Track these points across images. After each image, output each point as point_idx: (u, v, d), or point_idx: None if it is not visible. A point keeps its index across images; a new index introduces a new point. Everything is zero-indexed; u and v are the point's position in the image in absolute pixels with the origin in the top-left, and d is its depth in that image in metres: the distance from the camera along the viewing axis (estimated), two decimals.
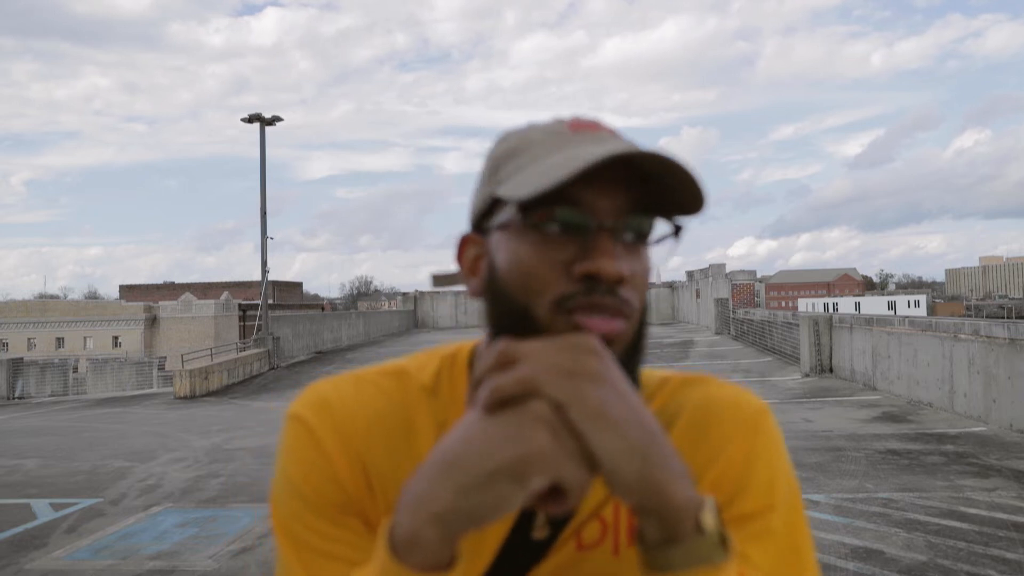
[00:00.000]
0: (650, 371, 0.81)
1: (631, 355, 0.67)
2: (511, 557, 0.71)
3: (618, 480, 0.55)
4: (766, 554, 0.70)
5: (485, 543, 0.71)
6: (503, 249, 0.67)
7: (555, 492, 0.56)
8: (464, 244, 0.73)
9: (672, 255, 0.71)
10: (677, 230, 0.69)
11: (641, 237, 0.67)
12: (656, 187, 0.66)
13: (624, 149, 0.61)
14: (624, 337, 0.65)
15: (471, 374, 0.75)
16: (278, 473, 0.73)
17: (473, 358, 0.78)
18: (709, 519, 0.58)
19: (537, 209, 0.64)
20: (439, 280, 0.83)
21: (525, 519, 0.71)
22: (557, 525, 0.72)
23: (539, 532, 0.71)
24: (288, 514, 0.71)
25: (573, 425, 0.55)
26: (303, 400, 0.75)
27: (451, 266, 0.78)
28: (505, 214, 0.67)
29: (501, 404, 0.56)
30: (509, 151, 0.70)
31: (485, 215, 0.71)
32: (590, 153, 0.62)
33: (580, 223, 0.64)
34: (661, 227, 0.69)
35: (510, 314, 0.66)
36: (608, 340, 0.63)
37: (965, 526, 5.83)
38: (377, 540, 0.59)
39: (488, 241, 0.70)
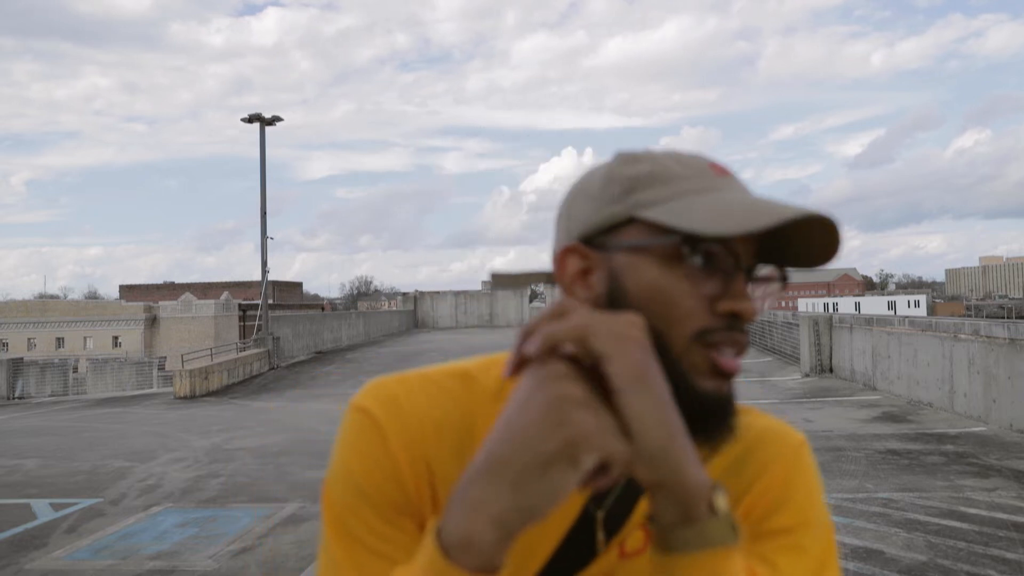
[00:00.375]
0: None
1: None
2: (559, 563, 0.72)
3: (643, 448, 0.57)
4: (794, 567, 0.72)
5: (537, 549, 0.72)
6: (637, 272, 0.68)
7: (599, 469, 0.57)
8: (568, 254, 0.71)
9: (776, 300, 0.75)
10: (784, 279, 0.72)
11: (752, 279, 0.71)
12: (787, 238, 0.70)
13: (808, 212, 0.65)
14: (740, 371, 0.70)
15: None
16: (337, 465, 0.72)
17: None
18: (722, 501, 0.60)
19: (692, 243, 0.66)
20: (501, 280, 0.82)
21: (579, 529, 0.73)
22: (609, 534, 0.73)
23: (602, 546, 0.73)
24: (344, 508, 0.70)
25: (613, 382, 0.57)
26: (370, 394, 0.74)
27: (504, 268, 0.79)
28: (646, 238, 0.68)
29: (551, 351, 0.58)
30: (649, 176, 0.70)
31: (604, 232, 0.70)
32: (766, 207, 0.66)
33: (728, 263, 0.67)
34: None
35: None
36: (734, 374, 0.68)
37: (965, 526, 5.83)
38: (424, 539, 0.59)
39: (608, 258, 0.69)
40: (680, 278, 0.67)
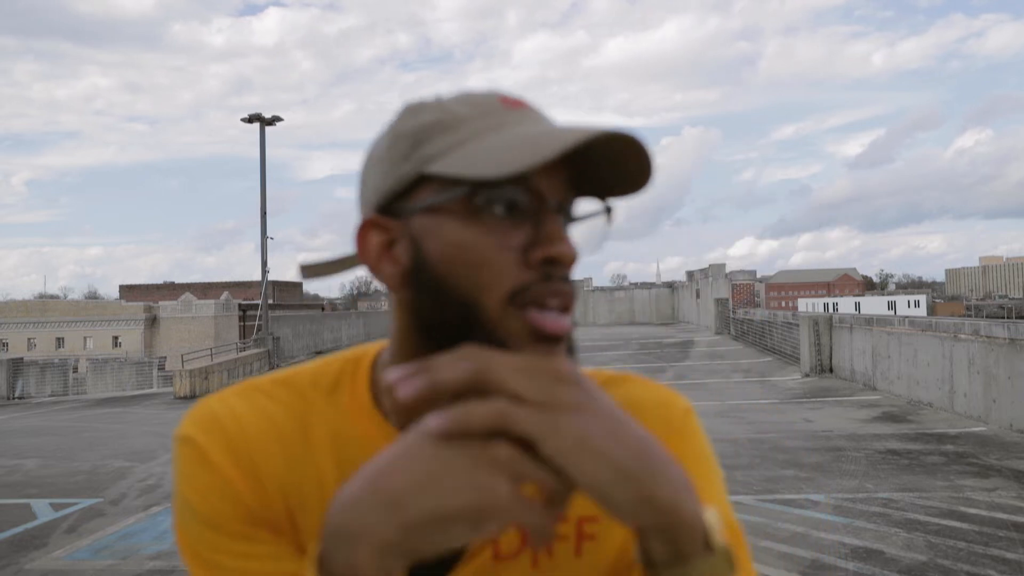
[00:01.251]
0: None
1: (569, 351, 0.62)
2: (423, 567, 0.62)
3: (614, 507, 0.51)
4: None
5: None
6: (438, 234, 0.60)
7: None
8: (368, 229, 0.64)
9: (605, 239, 0.66)
10: (609, 211, 0.65)
11: (570, 219, 0.63)
12: (595, 166, 0.62)
13: (599, 131, 0.57)
14: (571, 331, 0.61)
15: (373, 380, 0.72)
16: (177, 498, 0.68)
17: (377, 363, 0.73)
18: (718, 534, 0.55)
19: (485, 191, 0.58)
20: (309, 271, 0.76)
21: None
22: None
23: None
24: (194, 538, 0.67)
25: (549, 460, 0.50)
26: (190, 420, 0.71)
27: (312, 259, 0.74)
28: (437, 195, 0.60)
29: (463, 436, 0.50)
30: (434, 125, 0.62)
31: (399, 196, 0.63)
32: (553, 134, 0.58)
33: (532, 205, 0.59)
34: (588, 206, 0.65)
35: (449, 309, 0.60)
36: (560, 338, 0.59)
37: (965, 526, 5.83)
38: (305, 566, 0.56)
39: (407, 225, 0.62)
40: (483, 233, 0.59)
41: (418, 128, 0.63)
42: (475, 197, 0.59)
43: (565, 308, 0.60)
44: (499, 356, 0.52)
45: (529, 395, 0.50)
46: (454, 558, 0.68)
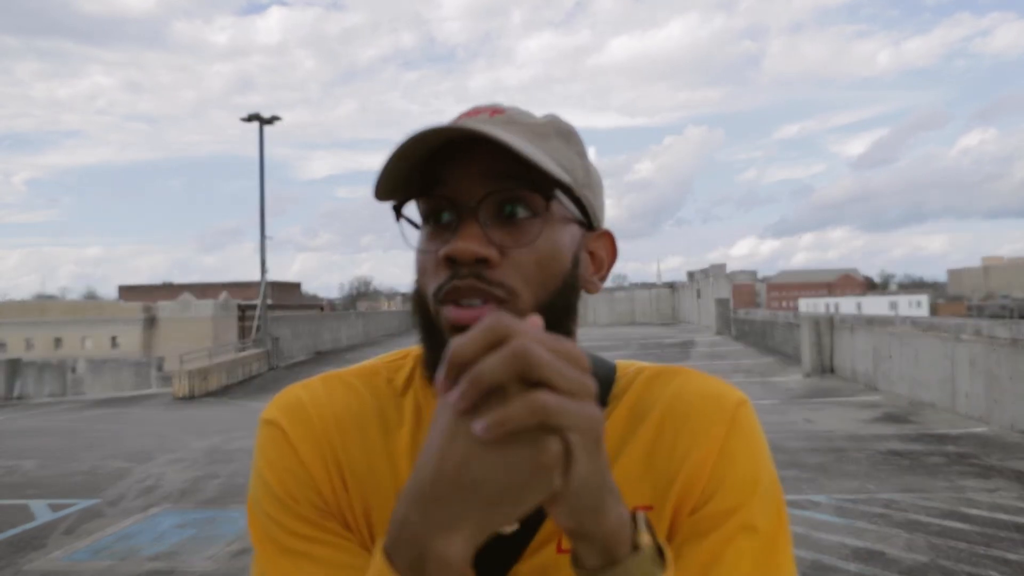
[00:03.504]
0: (626, 362, 0.80)
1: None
2: (486, 559, 0.64)
3: (575, 503, 0.52)
4: (741, 554, 0.67)
5: None
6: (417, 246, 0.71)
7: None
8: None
9: (542, 228, 0.68)
10: (547, 201, 0.67)
11: (512, 214, 0.67)
12: (497, 159, 0.65)
13: (422, 131, 0.62)
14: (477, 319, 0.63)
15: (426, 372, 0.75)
16: (254, 478, 0.71)
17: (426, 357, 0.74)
18: (645, 537, 0.57)
19: (421, 206, 0.69)
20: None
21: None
22: (529, 523, 0.69)
23: (507, 528, 0.68)
24: (268, 520, 0.69)
25: (571, 450, 0.49)
26: (276, 404, 0.74)
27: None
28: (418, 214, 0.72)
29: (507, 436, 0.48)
30: None
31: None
32: (408, 147, 0.64)
33: (438, 209, 0.68)
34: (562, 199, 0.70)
35: (422, 309, 0.70)
36: (460, 329, 0.61)
37: (967, 527, 5.81)
38: (371, 562, 0.56)
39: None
40: (426, 242, 0.69)
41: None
42: (399, 214, 0.70)
43: (481, 299, 0.64)
44: (533, 334, 0.49)
45: (562, 385, 0.48)
46: (515, 550, 0.69)
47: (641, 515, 0.58)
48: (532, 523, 0.69)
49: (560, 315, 0.69)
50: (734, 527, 0.68)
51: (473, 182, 0.66)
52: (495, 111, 0.72)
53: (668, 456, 0.71)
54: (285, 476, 0.69)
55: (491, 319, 0.49)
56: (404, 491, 0.53)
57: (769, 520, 0.70)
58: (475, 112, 0.72)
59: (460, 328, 0.62)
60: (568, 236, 0.70)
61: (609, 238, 0.77)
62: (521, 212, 0.67)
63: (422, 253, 0.69)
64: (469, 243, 0.64)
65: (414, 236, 0.71)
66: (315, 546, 0.67)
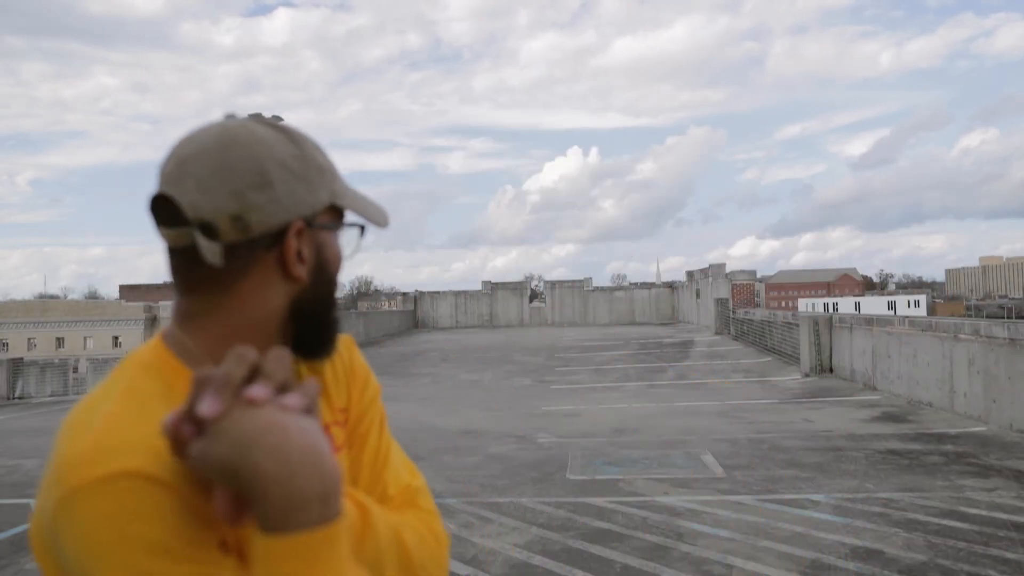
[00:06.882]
0: None
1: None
2: None
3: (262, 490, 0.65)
4: (384, 430, 0.98)
5: None
6: (331, 246, 0.89)
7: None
8: (297, 230, 0.85)
9: (355, 246, 0.94)
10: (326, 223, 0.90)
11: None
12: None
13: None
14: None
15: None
16: (121, 554, 0.64)
17: (179, 355, 0.83)
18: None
19: (346, 223, 0.92)
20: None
21: None
22: None
23: None
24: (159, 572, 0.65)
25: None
26: (104, 457, 0.67)
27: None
28: (332, 220, 0.89)
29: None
30: (330, 166, 0.92)
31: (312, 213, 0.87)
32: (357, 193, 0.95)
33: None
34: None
35: (329, 299, 0.91)
36: None
37: (965, 526, 5.83)
38: (254, 552, 0.65)
39: (315, 234, 0.87)
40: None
41: (326, 165, 0.89)
42: (343, 226, 0.90)
43: None
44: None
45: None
46: None
47: None
48: None
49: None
50: (379, 414, 1.03)
51: (325, 212, 0.93)
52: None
53: (343, 385, 1.01)
54: (168, 516, 0.66)
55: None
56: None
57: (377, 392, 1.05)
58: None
59: None
60: None
61: None
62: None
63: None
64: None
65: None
66: (212, 567, 0.68)
